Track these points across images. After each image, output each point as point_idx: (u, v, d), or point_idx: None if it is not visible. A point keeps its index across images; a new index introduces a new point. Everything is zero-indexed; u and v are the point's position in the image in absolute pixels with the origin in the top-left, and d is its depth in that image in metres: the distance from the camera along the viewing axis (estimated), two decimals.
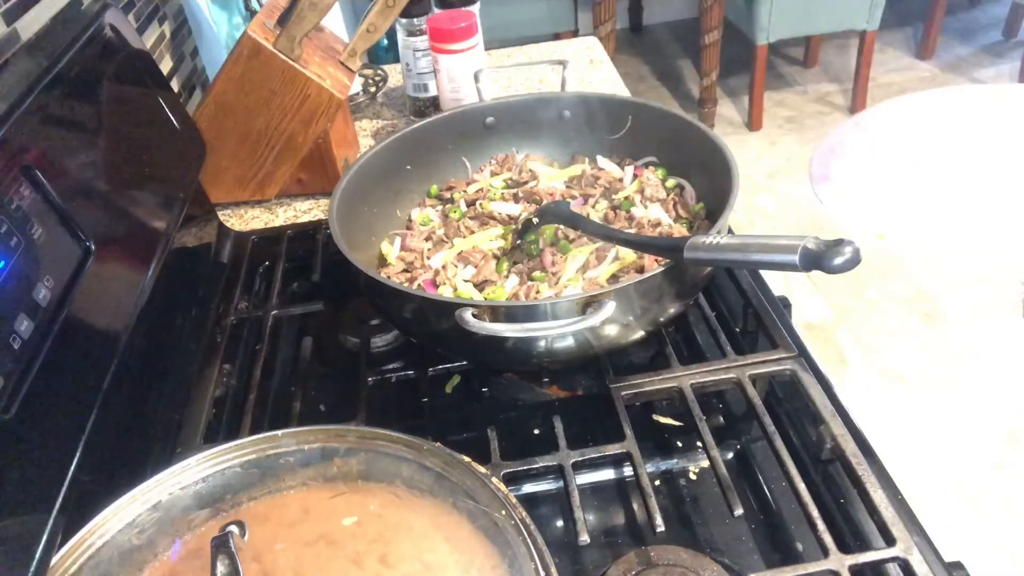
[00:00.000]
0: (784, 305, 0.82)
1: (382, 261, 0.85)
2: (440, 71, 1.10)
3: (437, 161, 0.94)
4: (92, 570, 0.52)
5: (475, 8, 1.11)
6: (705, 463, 0.68)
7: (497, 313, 0.63)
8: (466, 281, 0.79)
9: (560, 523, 0.66)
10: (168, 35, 1.15)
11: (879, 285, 2.28)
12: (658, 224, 0.82)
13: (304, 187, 1.07)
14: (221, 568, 0.48)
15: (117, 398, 0.62)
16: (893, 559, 0.56)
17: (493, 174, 0.95)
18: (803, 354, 0.72)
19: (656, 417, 0.73)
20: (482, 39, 1.11)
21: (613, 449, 0.65)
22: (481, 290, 0.78)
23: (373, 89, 1.33)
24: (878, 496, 0.59)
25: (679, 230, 0.81)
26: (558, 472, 0.65)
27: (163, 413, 0.74)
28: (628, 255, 0.77)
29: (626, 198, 0.86)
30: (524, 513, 0.52)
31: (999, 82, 3.23)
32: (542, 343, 0.66)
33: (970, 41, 3.55)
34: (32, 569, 0.47)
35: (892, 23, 3.55)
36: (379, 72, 1.36)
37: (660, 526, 0.58)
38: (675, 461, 0.70)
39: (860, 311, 2.21)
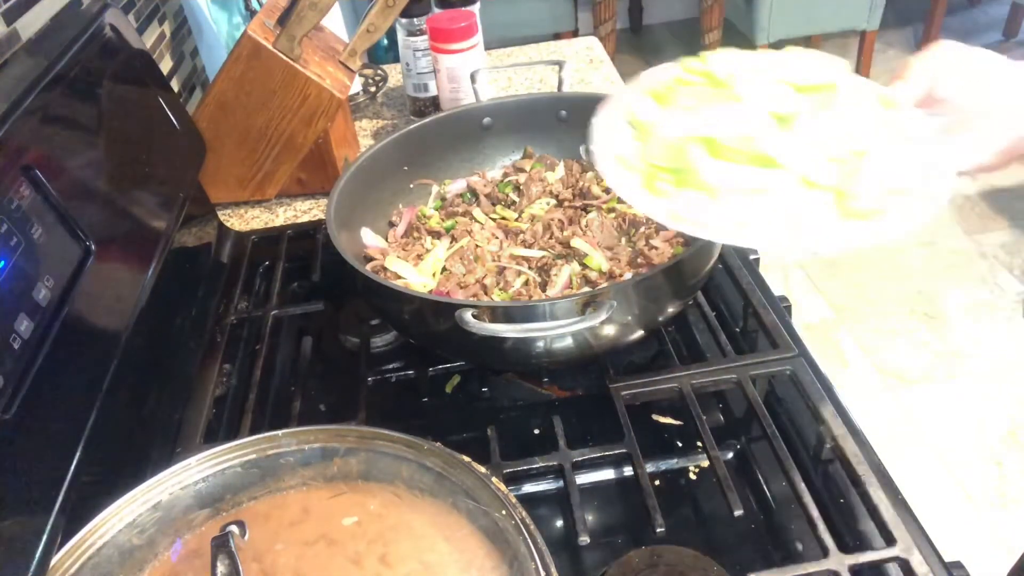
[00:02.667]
0: (784, 305, 0.82)
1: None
2: (440, 71, 1.10)
3: (435, 162, 0.93)
4: (92, 570, 0.52)
5: (475, 8, 1.11)
6: (705, 463, 0.68)
7: (496, 314, 0.63)
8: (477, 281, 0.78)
9: (560, 523, 0.66)
10: (168, 35, 1.15)
11: (879, 285, 2.28)
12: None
13: (304, 187, 1.07)
14: (221, 568, 0.48)
15: (117, 398, 0.62)
16: (893, 559, 0.56)
17: (505, 174, 0.94)
18: (803, 354, 0.72)
19: (656, 417, 0.73)
20: (482, 39, 1.11)
21: (613, 449, 0.65)
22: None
23: (373, 89, 1.33)
24: (878, 496, 0.59)
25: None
26: (558, 472, 0.65)
27: (163, 413, 0.74)
28: (598, 264, 0.77)
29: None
30: (524, 513, 0.52)
31: None
32: (541, 343, 0.66)
33: (970, 41, 3.44)
34: (32, 569, 0.47)
35: (892, 23, 3.55)
36: (379, 72, 1.36)
37: (660, 526, 0.58)
38: (675, 461, 0.69)
39: (860, 311, 2.20)
